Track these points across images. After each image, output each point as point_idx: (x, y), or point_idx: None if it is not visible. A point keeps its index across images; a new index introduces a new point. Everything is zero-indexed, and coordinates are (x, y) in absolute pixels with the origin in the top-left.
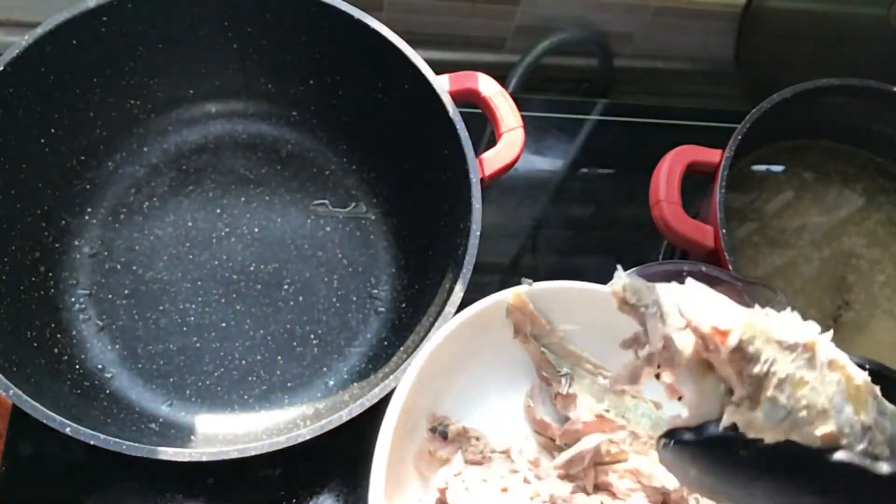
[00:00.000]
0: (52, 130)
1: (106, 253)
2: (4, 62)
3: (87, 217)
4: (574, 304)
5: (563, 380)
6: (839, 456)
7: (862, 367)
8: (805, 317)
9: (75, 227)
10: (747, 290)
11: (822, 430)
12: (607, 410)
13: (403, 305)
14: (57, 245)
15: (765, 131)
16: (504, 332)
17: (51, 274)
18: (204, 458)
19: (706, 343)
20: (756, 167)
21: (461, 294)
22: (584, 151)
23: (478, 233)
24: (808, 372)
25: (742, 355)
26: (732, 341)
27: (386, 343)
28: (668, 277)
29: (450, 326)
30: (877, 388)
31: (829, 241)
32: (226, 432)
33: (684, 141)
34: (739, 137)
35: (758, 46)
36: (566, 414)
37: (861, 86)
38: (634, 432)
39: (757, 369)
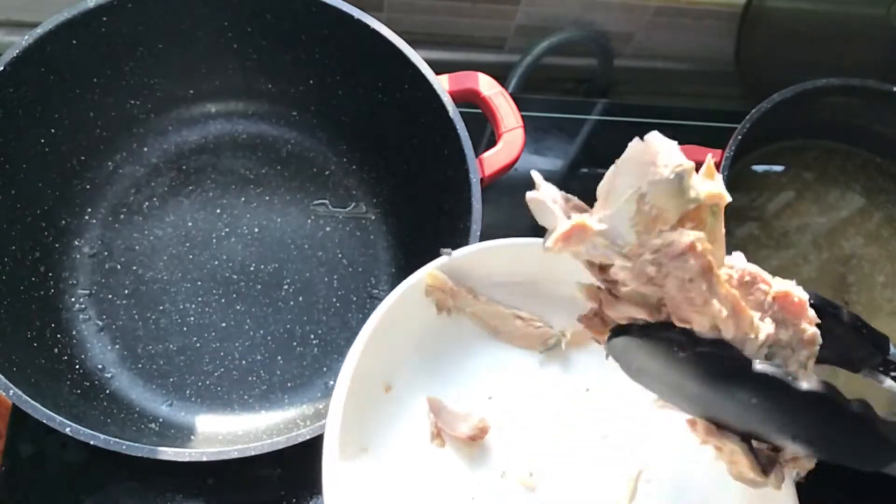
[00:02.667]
0: (52, 130)
1: (106, 253)
2: (4, 62)
3: (87, 217)
4: (500, 261)
5: None
6: (760, 367)
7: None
8: None
9: (75, 227)
10: None
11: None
12: None
13: None
14: (57, 245)
15: (765, 131)
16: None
17: (51, 274)
18: (204, 458)
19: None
20: (756, 167)
21: None
22: (584, 151)
23: (478, 233)
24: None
25: None
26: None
27: None
28: None
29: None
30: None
31: (830, 242)
32: (226, 432)
33: (684, 141)
34: (739, 137)
35: (758, 46)
36: None
37: (861, 86)
38: None
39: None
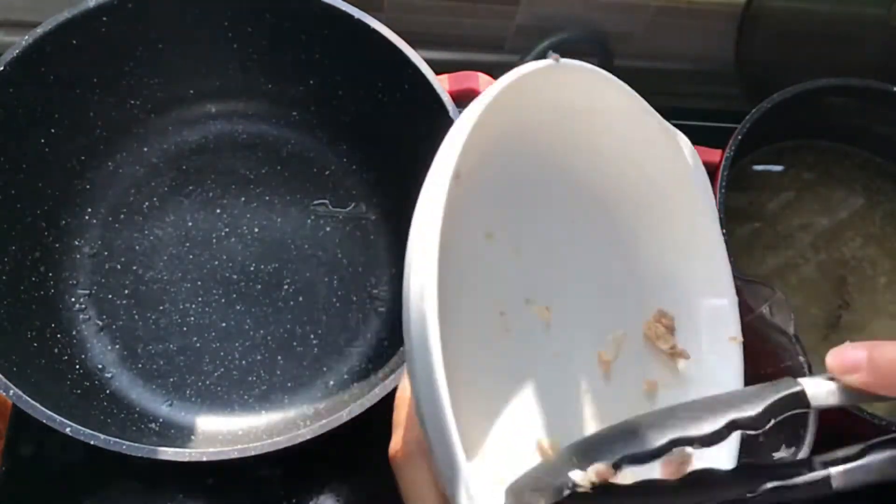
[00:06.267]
0: (52, 130)
1: (106, 253)
2: (4, 62)
3: (87, 217)
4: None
5: None
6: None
7: None
8: (805, 316)
9: (75, 227)
10: (746, 290)
11: None
12: None
13: None
14: (57, 245)
15: (765, 131)
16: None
17: (51, 274)
18: (204, 459)
19: None
20: (756, 167)
21: None
22: None
23: None
24: None
25: None
26: None
27: (386, 343)
28: None
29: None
30: None
31: (830, 242)
32: (226, 432)
33: None
34: (739, 137)
35: (758, 46)
36: None
37: (861, 86)
38: None
39: None
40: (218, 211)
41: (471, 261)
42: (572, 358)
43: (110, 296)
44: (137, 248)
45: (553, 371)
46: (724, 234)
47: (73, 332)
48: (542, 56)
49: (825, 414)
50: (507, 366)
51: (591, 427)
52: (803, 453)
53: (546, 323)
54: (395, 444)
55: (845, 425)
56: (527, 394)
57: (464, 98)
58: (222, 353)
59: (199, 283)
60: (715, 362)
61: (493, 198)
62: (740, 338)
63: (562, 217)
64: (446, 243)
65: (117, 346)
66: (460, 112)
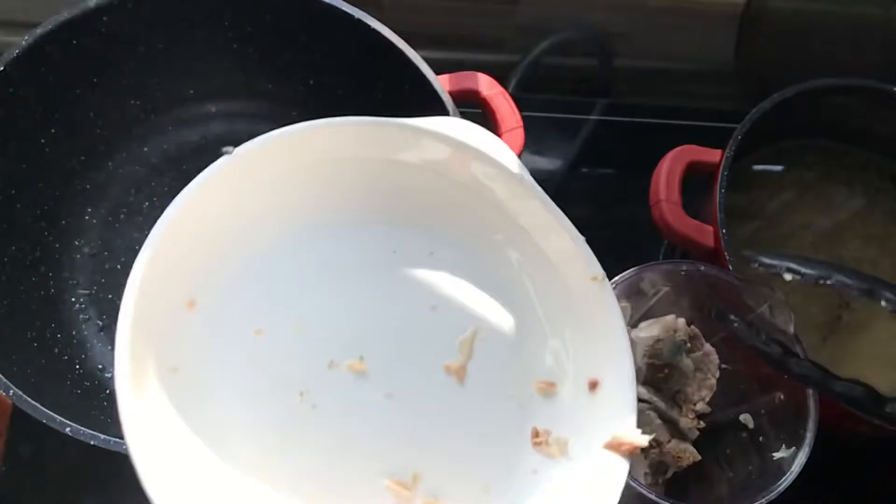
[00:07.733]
0: (52, 130)
1: (106, 253)
2: (4, 62)
3: (87, 217)
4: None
5: None
6: None
7: None
8: (805, 315)
9: (75, 227)
10: (746, 290)
11: None
12: None
13: None
14: (57, 245)
15: (765, 131)
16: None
17: (51, 274)
18: None
19: None
20: (756, 167)
21: None
22: (584, 151)
23: None
24: None
25: None
26: None
27: None
28: (667, 277)
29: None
30: None
31: (830, 242)
32: None
33: (684, 141)
34: (739, 137)
35: (758, 46)
36: None
37: (861, 86)
38: None
39: None
40: None
41: (243, 377)
42: (414, 386)
43: (110, 296)
44: (137, 248)
45: (392, 411)
46: (724, 234)
47: (73, 332)
48: (542, 56)
49: (825, 414)
50: (333, 436)
51: (460, 444)
52: (803, 454)
53: (362, 373)
54: None
55: (846, 425)
56: (368, 448)
57: (464, 98)
58: None
59: None
60: (585, 304)
61: (256, 295)
62: (602, 274)
63: (346, 272)
64: (203, 372)
65: None
66: (460, 112)
